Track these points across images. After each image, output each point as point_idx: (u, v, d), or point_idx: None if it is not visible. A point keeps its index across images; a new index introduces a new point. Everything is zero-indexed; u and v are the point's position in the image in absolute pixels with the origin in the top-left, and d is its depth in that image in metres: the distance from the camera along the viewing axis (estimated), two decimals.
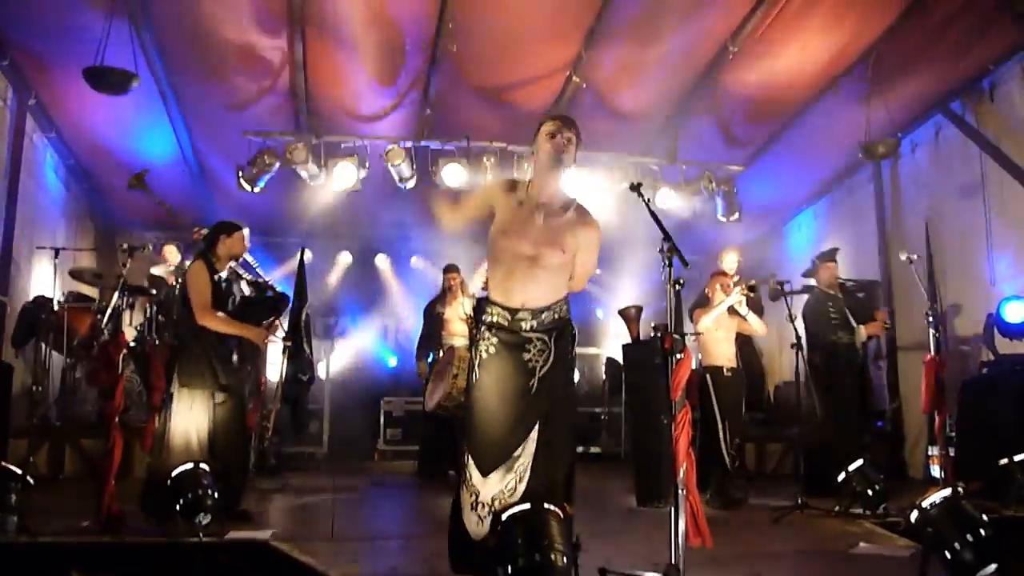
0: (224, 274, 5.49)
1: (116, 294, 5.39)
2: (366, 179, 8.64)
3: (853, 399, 7.22)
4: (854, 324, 7.24)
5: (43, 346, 7.54)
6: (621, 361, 8.38)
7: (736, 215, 9.38)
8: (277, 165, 8.32)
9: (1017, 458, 5.54)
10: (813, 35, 7.36)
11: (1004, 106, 7.53)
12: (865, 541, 5.03)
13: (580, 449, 8.94)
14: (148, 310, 8.18)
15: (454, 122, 8.60)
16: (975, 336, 7.59)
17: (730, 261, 7.79)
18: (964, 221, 7.89)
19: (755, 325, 6.95)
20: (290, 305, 8.36)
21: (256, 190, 8.44)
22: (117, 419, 4.93)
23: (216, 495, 4.68)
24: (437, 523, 5.31)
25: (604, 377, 10.70)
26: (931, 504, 3.78)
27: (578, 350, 11.37)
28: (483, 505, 3.65)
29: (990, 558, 3.54)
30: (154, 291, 8.15)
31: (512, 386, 3.76)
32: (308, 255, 8.69)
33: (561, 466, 3.75)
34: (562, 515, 3.36)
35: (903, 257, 6.39)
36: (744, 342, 7.39)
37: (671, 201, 9.16)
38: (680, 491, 3.51)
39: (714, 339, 6.76)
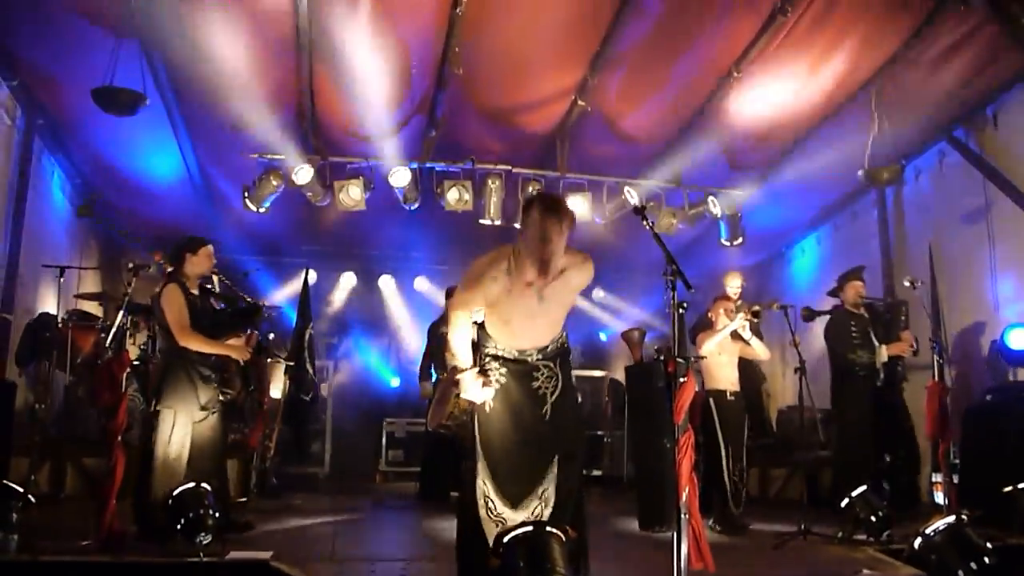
0: (195, 292, 5.50)
1: (120, 313, 5.39)
2: (370, 200, 8.67)
3: (864, 421, 7.00)
4: (876, 344, 7.08)
5: (46, 364, 7.54)
6: (624, 384, 8.37)
7: (740, 239, 9.39)
8: (282, 185, 8.36)
9: (1021, 485, 5.51)
10: (817, 62, 7.39)
11: (1007, 133, 7.56)
12: (868, 568, 4.99)
13: (583, 472, 8.90)
14: (152, 329, 8.18)
15: (459, 144, 8.64)
16: (979, 362, 7.58)
17: (733, 285, 7.77)
18: (967, 247, 7.90)
19: (758, 350, 6.93)
20: (294, 324, 8.44)
21: (262, 211, 8.48)
22: (120, 438, 4.93)
23: (217, 515, 4.67)
24: (439, 545, 5.31)
25: (607, 400, 10.68)
26: (935, 531, 3.78)
27: (581, 372, 11.44)
28: (496, 537, 3.63)
29: None
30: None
31: (527, 415, 3.82)
32: (312, 275, 8.73)
33: (574, 490, 3.78)
34: (564, 538, 3.36)
35: (907, 283, 6.39)
36: (747, 366, 7.36)
37: (674, 225, 9.18)
38: (683, 515, 3.50)
39: (717, 363, 6.75)
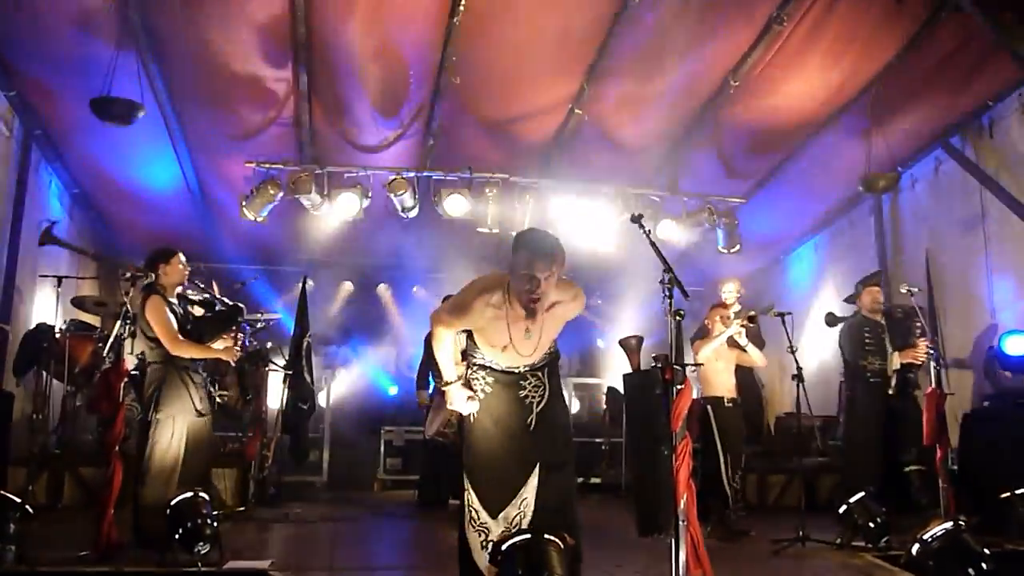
0: (174, 300, 5.51)
1: (118, 322, 5.39)
2: (368, 209, 8.69)
3: (872, 427, 6.87)
4: (889, 350, 6.94)
5: (44, 374, 7.53)
6: (622, 391, 8.37)
7: (737, 247, 9.41)
8: (280, 195, 8.38)
9: (1019, 491, 5.52)
10: (813, 70, 7.44)
11: (1003, 141, 7.60)
12: (867, 574, 5.00)
13: (580, 479, 8.89)
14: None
15: (456, 153, 8.67)
16: (976, 369, 7.59)
17: (730, 292, 7.78)
18: (964, 254, 7.93)
19: (755, 356, 6.94)
20: (292, 332, 8.43)
21: (259, 219, 8.49)
22: (117, 447, 4.93)
23: (216, 524, 4.67)
24: (437, 554, 5.30)
25: (605, 407, 10.67)
26: (932, 537, 3.78)
27: (579, 380, 11.41)
28: (494, 544, 3.62)
29: None
30: None
31: (511, 424, 3.79)
32: (310, 284, 8.73)
33: (562, 497, 3.76)
34: (562, 545, 3.36)
35: (904, 290, 6.38)
36: (744, 373, 7.36)
37: (672, 233, 9.20)
38: (681, 522, 3.50)
39: (714, 370, 6.75)
